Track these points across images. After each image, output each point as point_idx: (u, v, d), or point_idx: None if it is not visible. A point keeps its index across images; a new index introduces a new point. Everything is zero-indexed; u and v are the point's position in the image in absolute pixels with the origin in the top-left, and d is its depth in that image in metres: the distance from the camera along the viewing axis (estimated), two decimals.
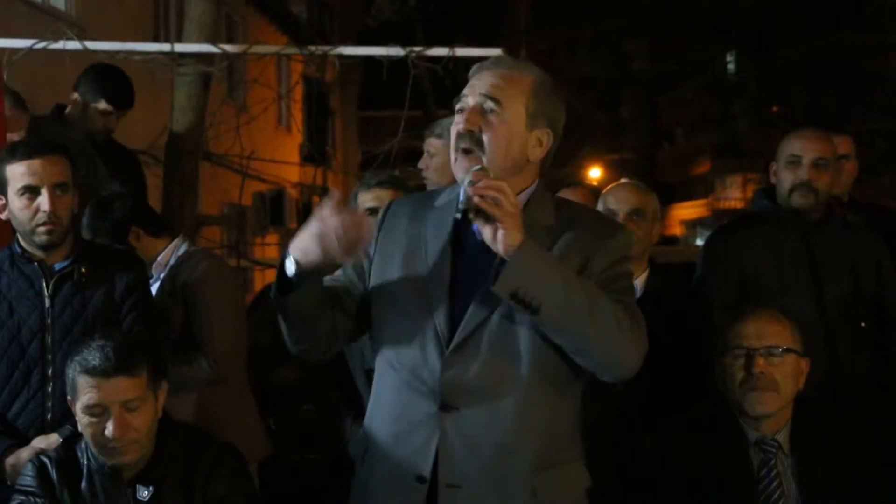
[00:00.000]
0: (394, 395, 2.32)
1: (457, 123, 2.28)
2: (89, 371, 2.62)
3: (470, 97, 2.28)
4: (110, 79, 4.62)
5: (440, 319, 2.26)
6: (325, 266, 2.22)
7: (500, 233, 2.12)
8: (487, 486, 2.24)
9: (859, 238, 3.58)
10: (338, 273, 2.43)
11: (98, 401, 2.61)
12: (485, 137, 2.24)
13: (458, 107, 2.30)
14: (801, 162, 3.49)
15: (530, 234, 2.19)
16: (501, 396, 2.24)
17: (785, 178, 3.50)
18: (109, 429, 2.61)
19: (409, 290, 2.30)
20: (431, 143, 4.17)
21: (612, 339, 2.19)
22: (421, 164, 4.24)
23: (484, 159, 2.23)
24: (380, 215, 2.44)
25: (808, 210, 3.49)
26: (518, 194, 2.25)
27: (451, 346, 2.24)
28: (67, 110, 4.52)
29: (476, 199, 2.10)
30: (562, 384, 2.30)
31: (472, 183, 2.14)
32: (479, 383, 2.24)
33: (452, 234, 2.29)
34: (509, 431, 2.24)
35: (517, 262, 2.12)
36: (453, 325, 2.26)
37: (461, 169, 2.24)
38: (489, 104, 2.26)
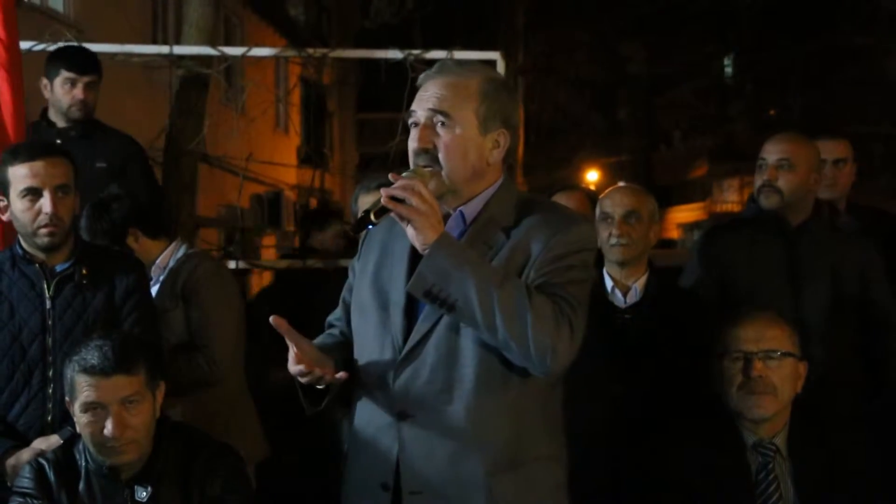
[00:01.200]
0: (362, 402, 2.37)
1: (411, 140, 2.29)
2: (88, 370, 2.63)
3: (419, 111, 2.29)
4: (66, 49, 4.61)
5: (395, 330, 2.29)
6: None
7: (410, 231, 2.16)
8: (446, 492, 2.26)
9: (844, 243, 3.57)
10: (340, 306, 2.53)
11: (97, 399, 2.62)
12: (440, 153, 2.25)
13: (410, 121, 2.30)
14: (766, 164, 3.51)
15: (486, 233, 2.25)
16: (451, 402, 2.25)
17: (756, 182, 3.53)
18: (109, 428, 2.61)
19: (374, 301, 2.34)
20: None
21: (529, 334, 2.14)
22: None
23: (443, 173, 2.25)
24: (362, 238, 2.49)
25: (777, 210, 3.49)
26: (478, 195, 2.29)
27: (402, 355, 2.27)
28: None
29: (383, 199, 2.13)
30: (516, 386, 2.27)
31: (387, 184, 2.17)
32: (430, 391, 2.26)
33: (412, 245, 2.26)
34: (461, 436, 2.25)
35: (428, 261, 2.15)
36: (407, 335, 2.28)
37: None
38: (438, 118, 2.26)
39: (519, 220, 2.28)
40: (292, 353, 2.22)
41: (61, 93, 4.37)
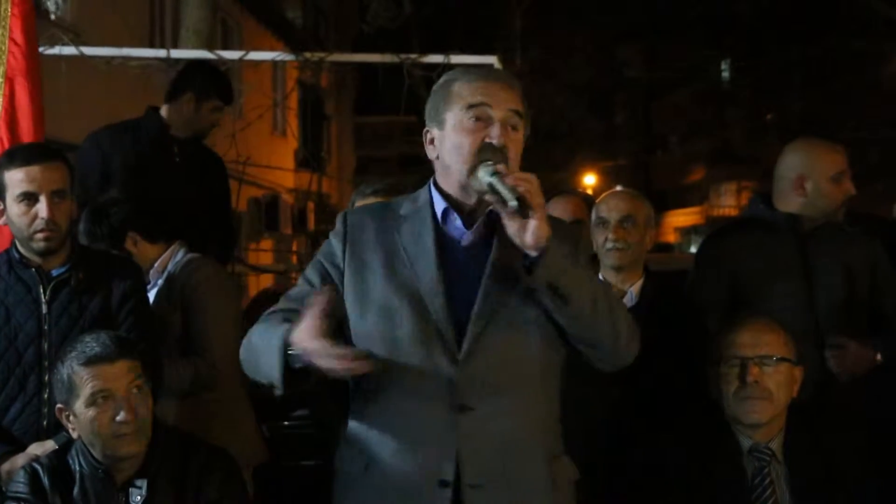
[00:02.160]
0: (398, 404, 2.28)
1: (481, 133, 2.25)
2: (91, 360, 2.63)
3: (496, 110, 2.27)
4: (220, 77, 4.72)
5: (443, 324, 2.26)
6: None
7: (534, 224, 2.14)
8: (509, 482, 2.26)
9: (854, 243, 3.55)
10: (300, 289, 2.39)
11: (104, 387, 2.62)
12: (510, 153, 2.26)
13: (475, 114, 2.27)
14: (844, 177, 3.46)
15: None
16: (513, 393, 2.27)
17: (833, 192, 3.45)
18: (122, 415, 2.61)
19: (399, 298, 2.29)
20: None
21: (623, 329, 2.27)
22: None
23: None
24: (339, 227, 2.40)
25: (807, 217, 3.48)
26: None
27: (464, 349, 2.25)
28: (163, 110, 4.54)
29: (522, 190, 2.12)
30: (554, 379, 2.36)
31: (496, 174, 2.15)
32: (493, 382, 2.25)
33: (436, 238, 2.30)
34: (523, 426, 2.28)
35: (552, 253, 2.16)
36: (456, 327, 2.26)
37: (482, 175, 2.22)
38: (515, 120, 2.29)
39: None
40: (315, 324, 2.10)
41: (207, 115, 4.50)
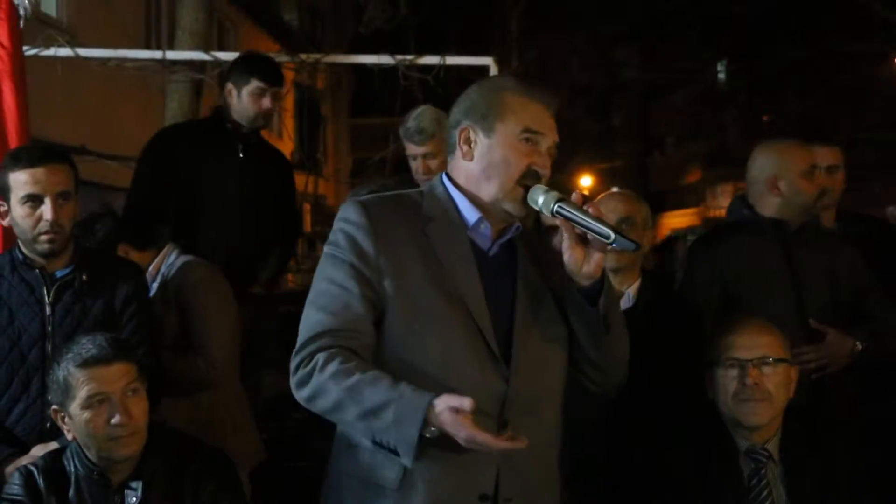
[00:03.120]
0: None
1: (530, 158, 2.26)
2: (87, 362, 2.62)
3: (545, 140, 2.29)
4: (258, 58, 4.63)
5: (490, 338, 2.23)
6: None
7: (598, 256, 2.17)
8: (537, 495, 2.31)
9: (835, 245, 3.59)
10: (357, 311, 2.23)
11: (99, 389, 2.62)
12: (545, 178, 2.28)
13: (531, 138, 2.26)
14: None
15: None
16: (543, 409, 2.32)
17: (807, 187, 3.51)
18: (117, 417, 2.60)
19: (448, 306, 2.22)
20: (420, 148, 4.20)
21: (627, 353, 2.38)
22: (419, 171, 4.25)
23: None
24: (358, 218, 2.26)
25: (776, 215, 3.50)
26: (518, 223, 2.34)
27: (514, 364, 2.25)
28: (221, 105, 4.52)
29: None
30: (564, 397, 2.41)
31: (567, 202, 2.16)
32: (531, 398, 2.28)
33: (474, 252, 2.28)
34: (552, 441, 2.36)
35: (609, 286, 2.23)
36: (503, 340, 2.25)
37: (514, 199, 2.24)
38: (554, 151, 2.31)
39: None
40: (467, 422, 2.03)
41: (249, 101, 4.38)
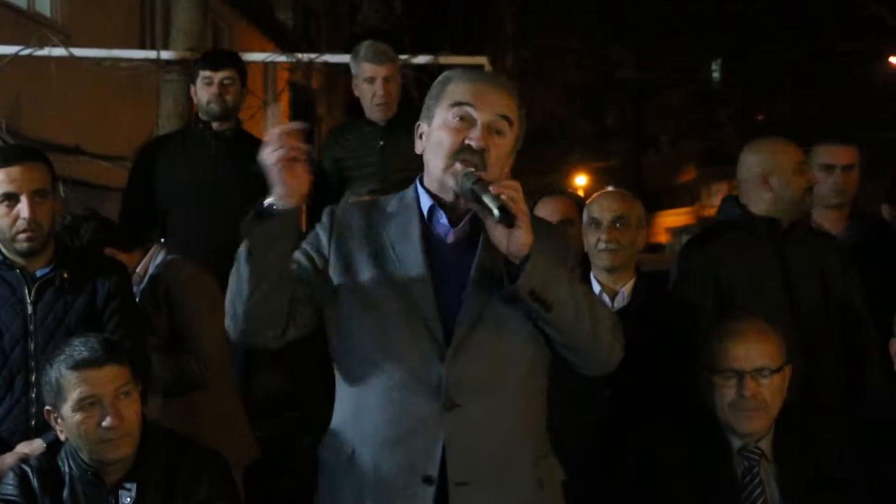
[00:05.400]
0: (385, 397, 2.28)
1: (462, 134, 2.25)
2: (78, 364, 2.62)
3: (481, 112, 2.27)
4: (205, 53, 4.83)
5: (432, 320, 2.26)
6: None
7: (518, 232, 2.14)
8: (496, 481, 2.25)
9: (827, 245, 3.60)
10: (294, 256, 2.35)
11: (91, 392, 2.61)
12: (490, 158, 2.25)
13: (459, 113, 2.27)
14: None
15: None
16: (503, 392, 2.27)
17: (798, 182, 3.51)
18: (108, 420, 2.60)
19: (387, 293, 2.29)
20: (381, 68, 4.39)
21: (604, 335, 2.27)
22: (377, 94, 4.39)
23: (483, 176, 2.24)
24: (325, 219, 2.39)
25: (779, 215, 3.51)
26: None
27: (453, 346, 2.25)
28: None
29: (505, 198, 2.11)
30: (540, 378, 2.36)
31: (479, 181, 2.15)
32: (482, 380, 2.25)
33: (422, 238, 2.30)
34: (512, 425, 2.28)
35: (536, 261, 2.16)
36: (444, 324, 2.26)
37: (453, 176, 2.24)
38: (502, 124, 2.28)
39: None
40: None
41: (201, 93, 4.52)
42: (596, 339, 2.26)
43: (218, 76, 4.46)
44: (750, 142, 3.66)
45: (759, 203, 3.51)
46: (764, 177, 3.50)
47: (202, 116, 4.54)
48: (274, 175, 2.15)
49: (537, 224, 2.29)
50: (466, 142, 2.24)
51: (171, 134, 4.92)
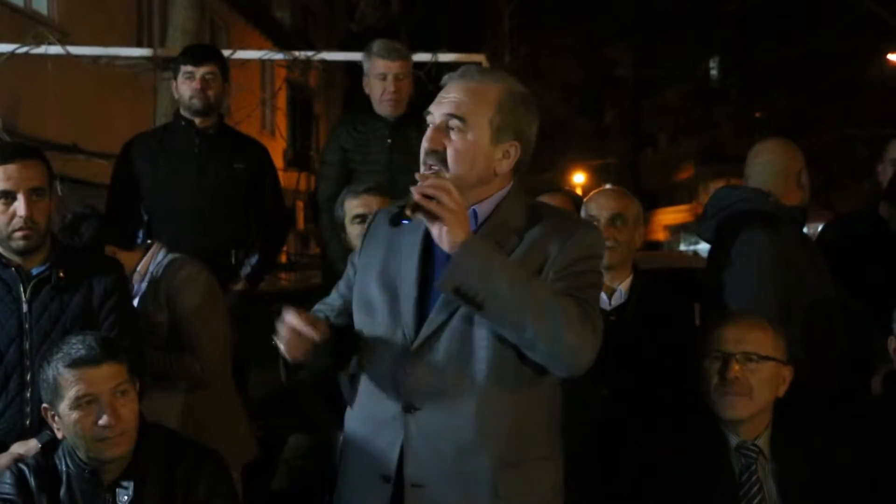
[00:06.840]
0: (364, 397, 2.39)
1: (423, 140, 2.32)
2: (76, 363, 2.62)
3: (436, 113, 2.31)
4: (185, 48, 4.76)
5: (407, 323, 2.31)
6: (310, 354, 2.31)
7: (444, 230, 2.17)
8: (450, 486, 2.27)
9: (807, 239, 3.65)
10: (332, 295, 2.56)
11: (88, 391, 2.61)
12: (448, 157, 2.27)
13: (428, 120, 2.33)
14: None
15: (499, 234, 2.28)
16: (460, 397, 2.28)
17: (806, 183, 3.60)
18: (105, 418, 2.60)
19: (382, 295, 2.37)
20: (394, 64, 4.41)
21: (559, 334, 2.18)
22: (388, 91, 4.41)
23: (446, 175, 2.25)
24: (367, 225, 2.53)
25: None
26: (489, 197, 2.32)
27: (413, 347, 2.29)
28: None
29: (416, 197, 2.15)
30: (526, 384, 2.31)
31: (416, 183, 2.20)
32: (439, 384, 2.28)
33: (423, 241, 2.33)
34: (469, 432, 2.28)
35: (459, 259, 2.16)
36: (419, 328, 2.30)
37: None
38: (453, 122, 2.28)
39: (530, 225, 2.33)
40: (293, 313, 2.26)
41: (182, 89, 4.48)
42: (556, 340, 2.19)
43: (200, 71, 4.42)
44: (775, 138, 3.69)
45: (794, 199, 3.53)
46: (799, 174, 3.55)
47: (184, 113, 4.49)
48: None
49: (561, 219, 2.35)
50: (423, 143, 2.30)
51: (152, 131, 4.84)
